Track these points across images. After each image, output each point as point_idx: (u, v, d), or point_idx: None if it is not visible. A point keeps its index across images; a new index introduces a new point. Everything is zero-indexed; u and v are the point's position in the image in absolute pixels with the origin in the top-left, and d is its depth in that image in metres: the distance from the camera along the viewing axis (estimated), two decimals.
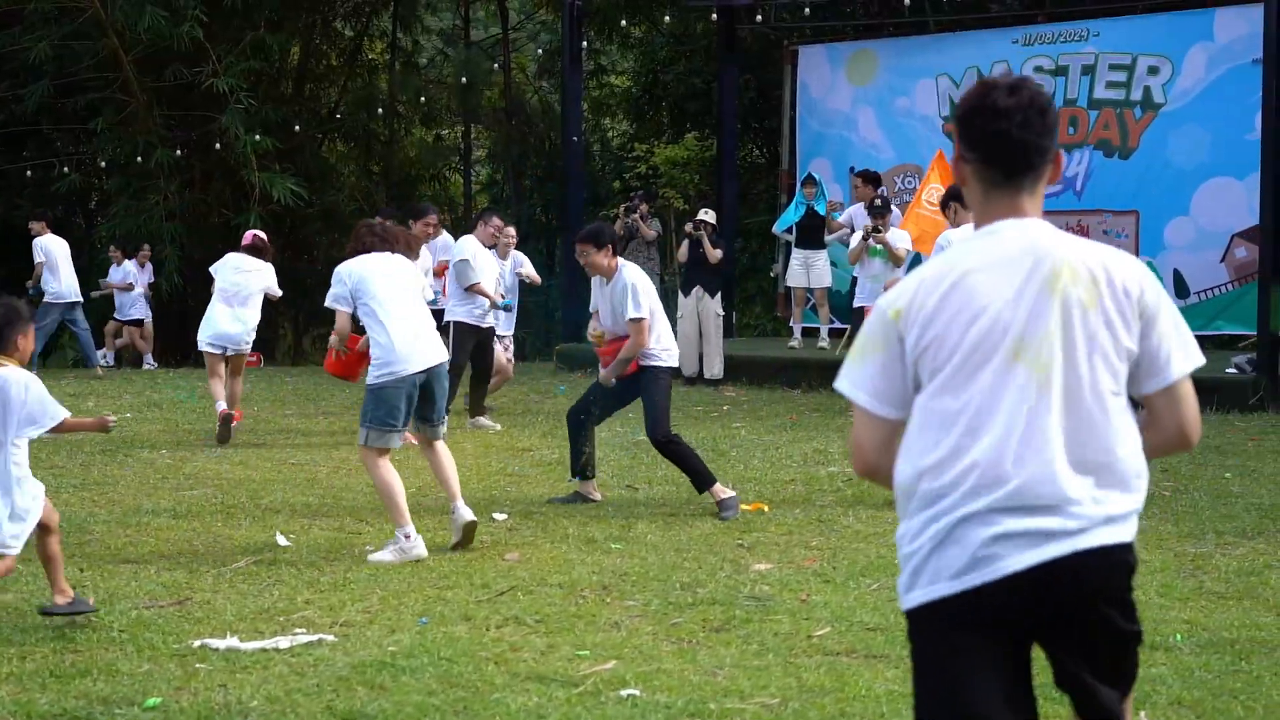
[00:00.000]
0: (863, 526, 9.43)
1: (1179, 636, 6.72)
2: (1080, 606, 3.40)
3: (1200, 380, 3.57)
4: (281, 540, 9.02)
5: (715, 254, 17.78)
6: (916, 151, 21.15)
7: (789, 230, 19.42)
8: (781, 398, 16.85)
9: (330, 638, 6.83)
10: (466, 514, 8.84)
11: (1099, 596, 3.40)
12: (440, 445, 9.06)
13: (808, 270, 18.88)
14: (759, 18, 22.53)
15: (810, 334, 19.72)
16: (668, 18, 24.97)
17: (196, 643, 6.74)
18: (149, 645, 6.72)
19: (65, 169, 24.51)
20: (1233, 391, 15.20)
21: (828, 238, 18.90)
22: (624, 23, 25.16)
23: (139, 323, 22.65)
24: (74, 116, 24.63)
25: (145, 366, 22.11)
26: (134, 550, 8.86)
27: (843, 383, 3.55)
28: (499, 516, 9.84)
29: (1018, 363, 3.38)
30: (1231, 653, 6.49)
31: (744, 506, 10.09)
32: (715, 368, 18.25)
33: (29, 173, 25.02)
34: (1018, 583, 3.33)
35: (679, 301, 18.54)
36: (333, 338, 9.92)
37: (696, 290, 18.08)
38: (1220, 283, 18.69)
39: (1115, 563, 3.41)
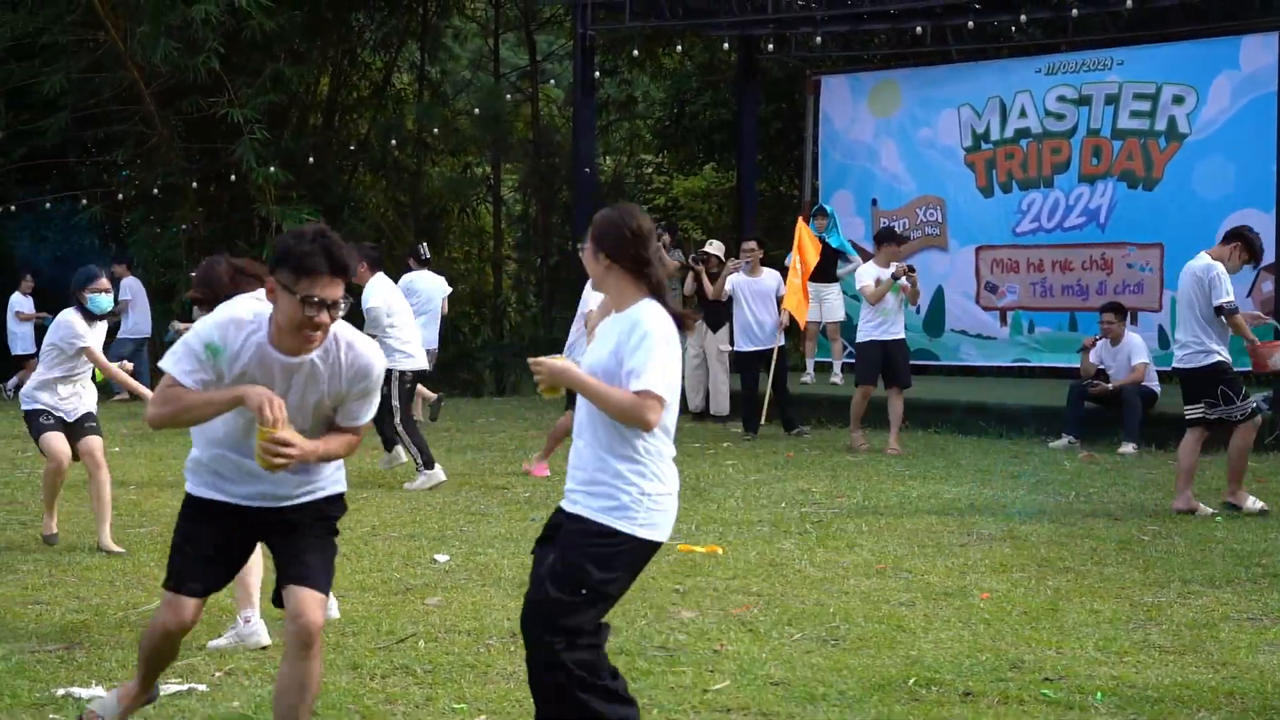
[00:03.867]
0: (815, 571, 9.04)
1: (1099, 696, 6.28)
2: None
3: None
4: None
5: (711, 288, 17.40)
6: (939, 183, 20.75)
7: None
8: (786, 434, 16.42)
9: (202, 687, 6.53)
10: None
11: None
12: None
13: (820, 304, 18.44)
14: (770, 46, 22.18)
15: (824, 369, 19.30)
16: (679, 47, 24.67)
17: (60, 691, 6.44)
18: (11, 693, 6.42)
19: (85, 200, 24.42)
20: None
21: (839, 271, 18.50)
22: (635, 52, 24.80)
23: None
24: (96, 148, 24.56)
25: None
26: (50, 591, 8.58)
27: None
28: (440, 559, 9.49)
29: None
30: (1150, 714, 6.05)
31: (698, 548, 9.72)
32: (721, 404, 17.87)
33: (48, 205, 24.96)
34: None
35: (688, 336, 18.24)
36: None
37: (700, 325, 17.74)
38: None
39: None
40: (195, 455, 5.44)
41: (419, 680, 6.61)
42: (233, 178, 23.38)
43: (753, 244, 17.07)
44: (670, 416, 5.06)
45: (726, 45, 22.40)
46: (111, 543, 9.87)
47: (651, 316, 5.03)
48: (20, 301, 22.28)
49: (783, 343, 16.32)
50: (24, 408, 10.12)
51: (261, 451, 4.95)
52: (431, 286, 17.93)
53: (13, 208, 25.27)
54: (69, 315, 9.89)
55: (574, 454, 5.16)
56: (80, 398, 10.09)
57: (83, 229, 25.05)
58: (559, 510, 5.22)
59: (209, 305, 7.72)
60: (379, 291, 12.83)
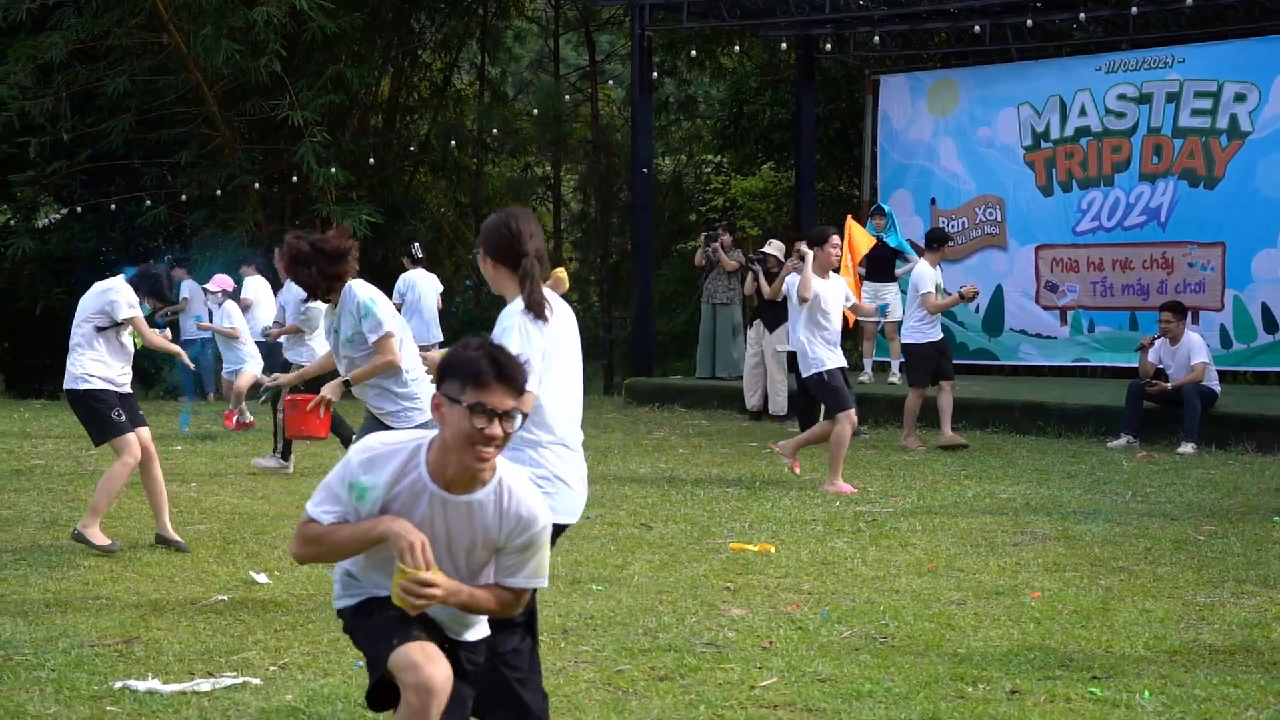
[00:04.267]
0: (866, 569, 9.05)
1: (1147, 694, 6.28)
2: None
3: None
4: (260, 578, 8.81)
5: (768, 288, 17.40)
6: (998, 182, 20.71)
7: (860, 264, 18.97)
8: (864, 436, 16.38)
9: (256, 681, 6.61)
10: None
11: None
12: None
13: (877, 303, 18.41)
14: (827, 46, 22.16)
15: (882, 368, 19.27)
16: (736, 47, 24.69)
17: (118, 684, 6.54)
18: (70, 686, 6.53)
19: (149, 201, 24.68)
20: None
21: (898, 271, 18.47)
22: (694, 53, 24.83)
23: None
24: (160, 150, 24.81)
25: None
26: (110, 586, 8.71)
27: None
28: None
29: None
30: (1197, 713, 6.04)
31: (750, 547, 9.75)
32: (778, 403, 17.88)
33: (113, 206, 25.24)
34: None
35: (748, 335, 18.27)
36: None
37: (757, 324, 17.80)
38: None
39: None
40: (346, 568, 4.81)
41: None
42: (294, 179, 23.58)
43: (805, 245, 17.04)
44: (553, 405, 5.47)
45: (784, 45, 22.37)
46: (173, 532, 9.96)
47: (508, 313, 5.47)
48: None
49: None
50: (82, 387, 9.77)
51: (401, 591, 4.44)
52: (425, 284, 19.16)
53: (79, 209, 25.60)
54: (122, 287, 9.85)
55: None
56: (129, 373, 10.03)
57: (146, 230, 25.35)
58: None
59: (316, 288, 7.87)
60: (287, 295, 13.81)
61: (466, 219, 29.33)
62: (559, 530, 5.40)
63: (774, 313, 17.70)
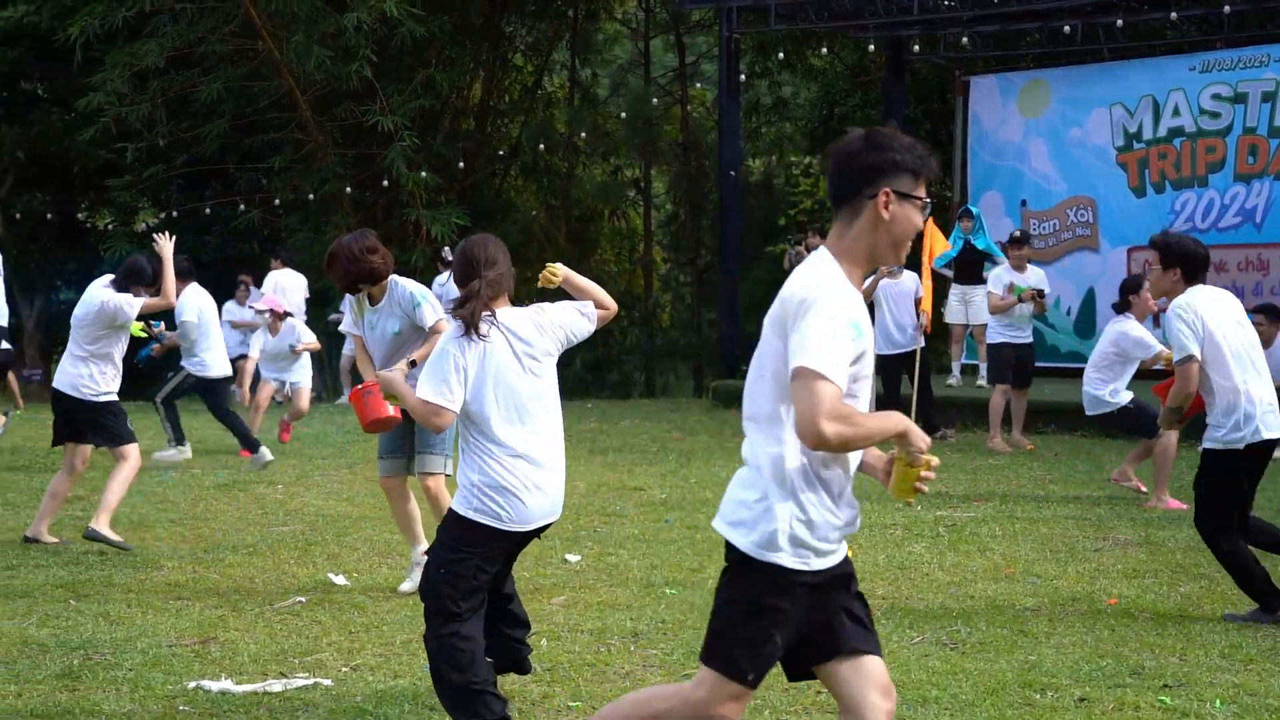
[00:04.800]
0: (942, 574, 9.01)
1: (1218, 703, 6.21)
2: None
3: None
4: (338, 580, 8.90)
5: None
6: (1089, 183, 20.51)
7: (948, 266, 18.87)
8: (950, 439, 16.29)
9: (327, 682, 6.69)
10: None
11: None
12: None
13: (966, 306, 18.30)
14: (915, 47, 22.04)
15: (970, 371, 19.15)
16: (823, 49, 24.62)
17: (192, 684, 6.64)
18: (146, 686, 6.64)
19: (243, 206, 24.99)
20: None
21: (987, 274, 18.31)
22: (780, 55, 24.78)
23: None
24: (254, 155, 25.12)
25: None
26: (191, 587, 8.84)
27: None
28: (571, 559, 9.60)
29: None
30: None
31: None
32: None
33: (208, 210, 25.59)
34: None
35: None
36: None
37: None
38: None
39: None
40: (804, 517, 4.30)
41: (537, 678, 6.70)
42: (384, 183, 23.79)
43: None
44: (496, 415, 5.75)
45: (872, 47, 22.28)
46: (46, 535, 10.26)
47: (445, 335, 5.93)
48: (235, 310, 22.58)
49: (922, 344, 16.20)
50: (105, 400, 10.23)
51: (920, 485, 4.31)
52: (454, 287, 18.91)
53: (174, 213, 25.96)
54: (116, 295, 10.18)
55: None
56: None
57: (241, 233, 25.69)
58: None
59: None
60: (192, 304, 14.08)
61: (557, 222, 29.45)
62: (491, 532, 5.73)
63: None
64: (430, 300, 8.47)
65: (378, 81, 22.91)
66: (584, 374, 26.04)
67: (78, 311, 10.35)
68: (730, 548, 4.38)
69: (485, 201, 27.06)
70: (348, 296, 8.61)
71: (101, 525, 9.93)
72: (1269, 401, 7.94)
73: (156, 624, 7.86)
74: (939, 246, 16.58)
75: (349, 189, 24.10)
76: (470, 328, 5.77)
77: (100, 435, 10.34)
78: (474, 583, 5.70)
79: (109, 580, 8.97)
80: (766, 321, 4.27)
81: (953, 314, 18.72)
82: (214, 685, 6.62)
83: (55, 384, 10.40)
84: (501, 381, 5.77)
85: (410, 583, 8.46)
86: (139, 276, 10.38)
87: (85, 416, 10.27)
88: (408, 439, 8.52)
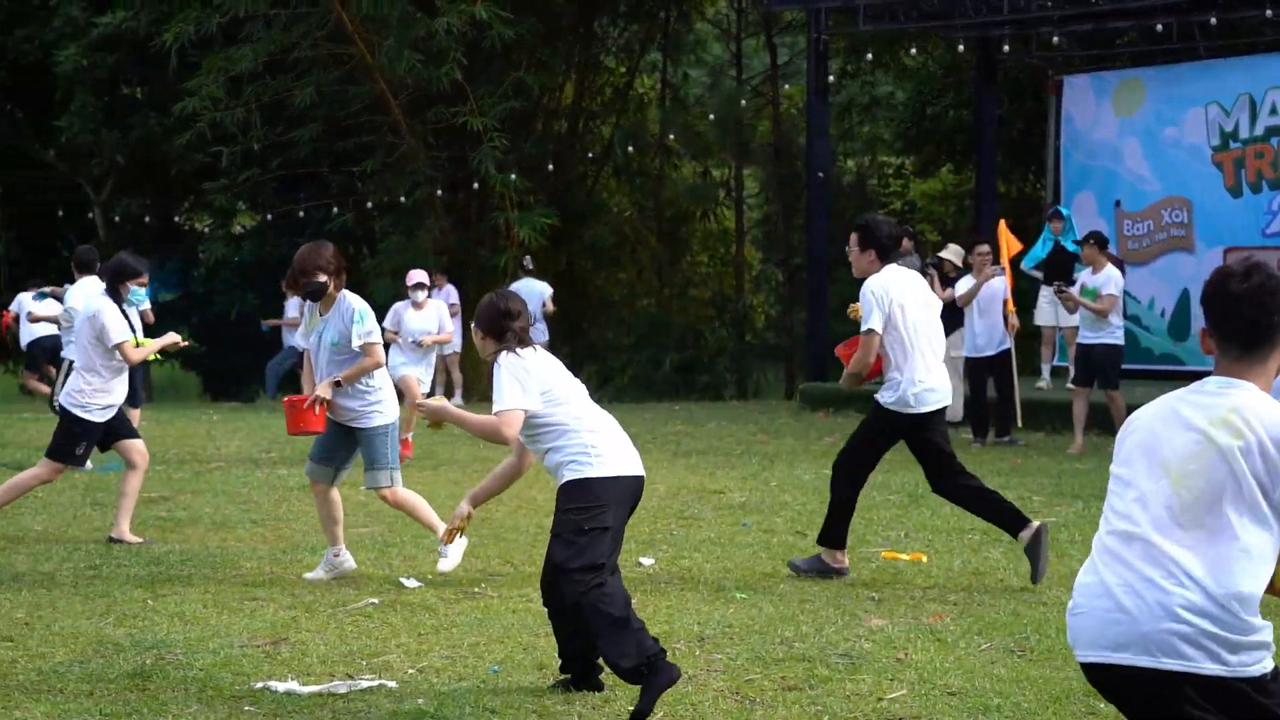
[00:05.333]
0: (1017, 580, 8.93)
1: None
2: None
3: None
4: (410, 583, 8.96)
5: (942, 294, 17.17)
6: (1184, 183, 20.27)
7: (1037, 267, 18.71)
8: (1019, 444, 16.14)
9: (392, 684, 6.73)
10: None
11: None
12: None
13: (1056, 308, 18.12)
14: (1005, 47, 21.85)
15: (1060, 374, 18.95)
16: (912, 50, 24.46)
17: (259, 685, 6.71)
18: (214, 686, 6.72)
19: (336, 209, 25.26)
20: None
21: (1076, 275, 18.12)
22: (869, 56, 24.67)
23: None
24: (346, 158, 25.38)
25: None
26: (267, 587, 8.93)
27: None
28: (645, 562, 9.61)
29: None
30: None
31: (903, 556, 9.68)
32: (954, 409, 17.63)
33: (301, 213, 25.88)
34: None
35: None
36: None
37: None
38: None
39: None
40: None
41: (601, 679, 6.71)
42: (475, 185, 23.95)
43: (986, 247, 16.83)
44: (562, 399, 6.55)
45: (961, 47, 22.13)
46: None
47: (501, 359, 6.56)
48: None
49: (1008, 345, 16.06)
50: (76, 414, 10.21)
51: None
52: (530, 291, 20.49)
53: (269, 216, 26.30)
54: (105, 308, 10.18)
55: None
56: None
57: (334, 236, 25.94)
58: None
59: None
60: (79, 293, 13.66)
61: (648, 223, 29.51)
62: (622, 481, 6.54)
63: (949, 318, 17.47)
64: (369, 320, 8.91)
65: (468, 84, 23.07)
66: (674, 376, 26.04)
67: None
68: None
69: (576, 203, 27.15)
70: (307, 305, 9.07)
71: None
72: (930, 383, 8.86)
73: (230, 624, 7.95)
74: (1013, 247, 16.42)
75: (439, 191, 24.28)
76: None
77: (58, 443, 10.31)
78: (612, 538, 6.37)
79: (188, 580, 9.09)
80: (1224, 441, 3.90)
81: (1042, 316, 18.56)
82: (280, 686, 6.68)
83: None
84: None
85: (318, 573, 9.09)
86: (124, 271, 10.45)
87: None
88: (340, 451, 9.14)
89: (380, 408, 9.03)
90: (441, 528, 8.82)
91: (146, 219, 28.86)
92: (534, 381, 6.51)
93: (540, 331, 21.31)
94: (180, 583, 9.00)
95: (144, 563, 9.65)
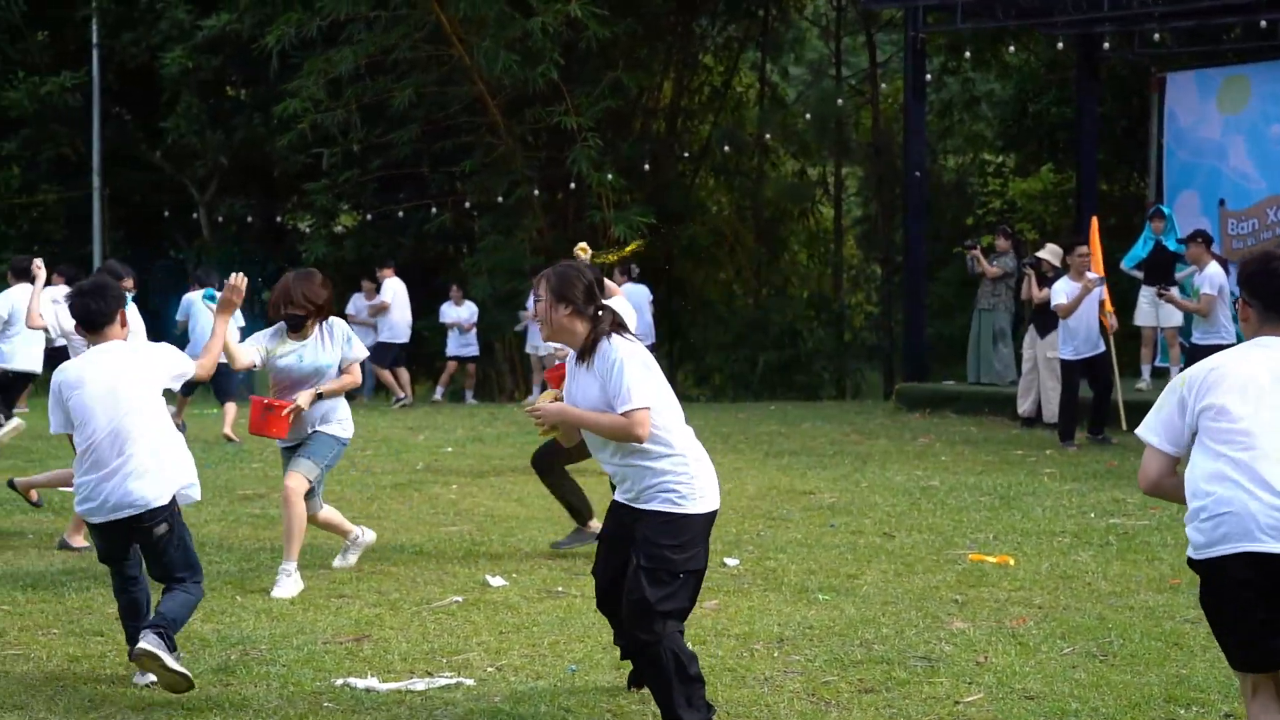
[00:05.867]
0: (1105, 584, 8.83)
1: None
2: None
3: None
4: (494, 581, 9.02)
5: (1039, 294, 17.02)
6: None
7: (1138, 267, 18.47)
8: (1113, 444, 15.95)
9: (470, 681, 6.79)
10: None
11: None
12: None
13: (1156, 308, 17.90)
14: (1105, 45, 21.59)
15: (1161, 374, 18.69)
16: (1010, 48, 24.22)
17: (340, 681, 6.79)
18: (295, 682, 6.80)
19: (435, 209, 25.46)
20: None
21: (1178, 275, 17.89)
22: (967, 54, 24.47)
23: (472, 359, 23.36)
24: (445, 159, 25.57)
25: (467, 403, 22.77)
26: (354, 585, 9.03)
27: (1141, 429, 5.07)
28: (729, 562, 9.60)
29: None
30: None
31: (990, 559, 9.60)
32: (1051, 411, 17.47)
33: (401, 214, 26.11)
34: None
35: (1024, 340, 17.91)
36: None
37: (1031, 330, 17.48)
38: None
39: None
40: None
41: None
42: (572, 185, 24.05)
43: (1085, 248, 16.62)
44: (669, 409, 5.89)
45: (1060, 45, 21.92)
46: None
47: (617, 347, 5.85)
48: (452, 311, 22.96)
49: (1104, 349, 15.87)
50: None
51: None
52: (638, 296, 20.79)
53: (369, 216, 26.55)
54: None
55: (612, 475, 6.07)
56: None
57: (433, 236, 26.18)
58: (618, 512, 6.06)
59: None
60: (7, 299, 14.79)
61: (746, 222, 29.47)
62: (713, 515, 6.00)
63: (1046, 318, 17.30)
64: (355, 341, 9.28)
65: (565, 84, 23.16)
66: (771, 375, 25.99)
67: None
68: None
69: (674, 203, 27.17)
70: (275, 327, 9.24)
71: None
72: None
73: (315, 621, 8.04)
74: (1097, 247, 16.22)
75: (536, 191, 24.41)
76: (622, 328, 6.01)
77: None
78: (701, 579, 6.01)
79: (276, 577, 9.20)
80: None
81: (1142, 316, 18.33)
82: (360, 683, 6.76)
83: None
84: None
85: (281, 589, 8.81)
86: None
87: None
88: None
89: (343, 425, 9.23)
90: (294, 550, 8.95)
91: (249, 219, 29.24)
92: (655, 378, 5.91)
93: (648, 334, 21.52)
94: (269, 579, 9.10)
95: (235, 559, 9.79)
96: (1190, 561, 5.01)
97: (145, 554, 6.96)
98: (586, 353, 5.91)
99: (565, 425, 6.08)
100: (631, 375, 5.76)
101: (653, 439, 5.80)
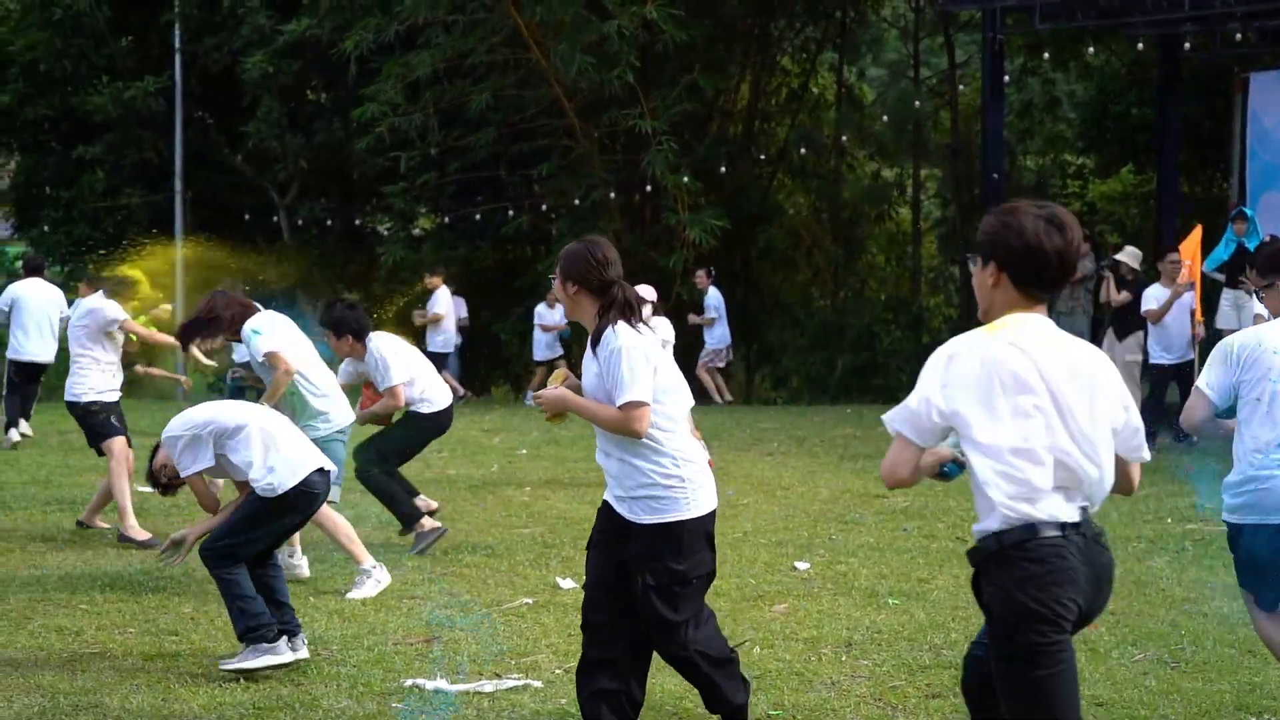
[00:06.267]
0: (1180, 590, 8.75)
1: None
2: None
3: None
4: (565, 583, 9.05)
5: (1117, 297, 16.87)
6: None
7: (1219, 269, 18.26)
8: (1192, 448, 15.80)
9: (537, 683, 6.83)
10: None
11: None
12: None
13: (1238, 311, 17.66)
14: (1186, 45, 21.37)
15: None
16: (1089, 48, 24.02)
17: (409, 682, 6.84)
18: (365, 682, 6.87)
19: (512, 212, 25.57)
20: None
21: None
22: (1045, 55, 24.28)
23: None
24: (522, 162, 25.65)
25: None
26: (426, 586, 9.10)
27: None
28: (800, 566, 9.60)
29: None
30: None
31: None
32: None
33: (478, 216, 26.22)
34: None
35: (1103, 343, 17.74)
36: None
37: (1109, 333, 17.32)
38: None
39: None
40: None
41: None
42: (648, 188, 24.07)
43: (1176, 255, 16.42)
44: (670, 404, 5.63)
45: (1140, 45, 21.70)
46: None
47: (619, 335, 5.57)
48: (545, 313, 22.90)
49: (1191, 356, 15.70)
50: (84, 400, 11.09)
51: None
52: (718, 297, 21.90)
53: (447, 219, 26.69)
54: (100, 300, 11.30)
55: (604, 467, 5.79)
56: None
57: (511, 238, 26.27)
58: (607, 512, 5.85)
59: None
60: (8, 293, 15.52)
61: (823, 224, 29.38)
62: (712, 516, 5.73)
63: (1124, 321, 17.15)
64: (256, 340, 9.40)
65: (641, 87, 23.18)
66: (848, 378, 25.86)
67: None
68: None
69: (751, 205, 27.12)
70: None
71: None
72: None
73: (386, 622, 8.11)
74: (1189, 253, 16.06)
75: (613, 194, 24.45)
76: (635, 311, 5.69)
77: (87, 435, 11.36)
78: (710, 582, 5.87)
79: (350, 578, 9.26)
80: None
81: (1224, 319, 18.08)
82: (429, 684, 6.81)
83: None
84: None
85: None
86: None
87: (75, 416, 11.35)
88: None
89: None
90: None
91: (329, 221, 29.47)
92: (658, 368, 5.62)
93: (724, 335, 22.11)
94: (343, 580, 9.18)
95: (310, 560, 9.86)
96: None
97: None
98: (595, 339, 5.68)
99: (566, 410, 5.79)
100: (628, 367, 5.51)
101: (646, 435, 5.57)
